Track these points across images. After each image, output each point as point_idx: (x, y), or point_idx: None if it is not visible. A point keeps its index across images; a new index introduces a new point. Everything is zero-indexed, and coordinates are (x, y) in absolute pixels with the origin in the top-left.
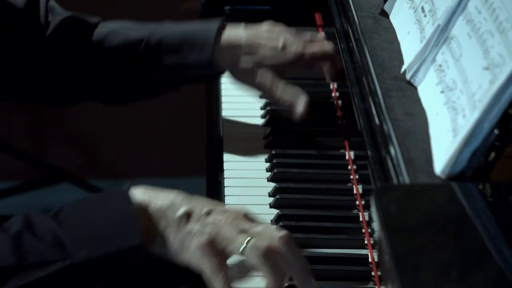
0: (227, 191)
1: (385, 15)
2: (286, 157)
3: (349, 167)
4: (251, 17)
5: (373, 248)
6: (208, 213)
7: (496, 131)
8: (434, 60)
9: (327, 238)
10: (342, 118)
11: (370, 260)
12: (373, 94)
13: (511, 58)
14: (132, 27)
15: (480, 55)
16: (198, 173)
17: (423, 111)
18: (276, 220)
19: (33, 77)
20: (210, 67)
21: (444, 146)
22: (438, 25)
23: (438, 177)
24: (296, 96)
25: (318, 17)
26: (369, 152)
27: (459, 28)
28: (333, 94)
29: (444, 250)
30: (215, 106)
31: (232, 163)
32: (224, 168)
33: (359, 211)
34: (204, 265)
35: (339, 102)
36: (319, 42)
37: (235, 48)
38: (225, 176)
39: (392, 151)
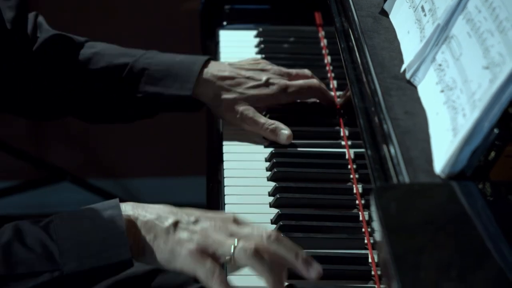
0: (227, 190)
1: (385, 14)
2: (286, 156)
3: (349, 166)
4: (251, 17)
5: (373, 247)
6: (196, 221)
7: (496, 130)
8: (434, 59)
9: (327, 237)
10: (342, 117)
11: (370, 259)
12: (373, 93)
13: (511, 58)
14: (117, 52)
15: (480, 54)
16: (198, 172)
17: (423, 110)
18: (276, 220)
19: (17, 90)
20: (190, 101)
21: (444, 145)
22: (438, 25)
23: (438, 177)
24: (277, 133)
25: (318, 16)
26: (369, 152)
27: (459, 27)
28: (332, 94)
29: (444, 249)
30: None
31: (232, 162)
32: (224, 167)
33: (359, 210)
34: (197, 270)
35: (339, 100)
36: (305, 77)
37: (218, 82)
38: (225, 176)
39: (392, 150)
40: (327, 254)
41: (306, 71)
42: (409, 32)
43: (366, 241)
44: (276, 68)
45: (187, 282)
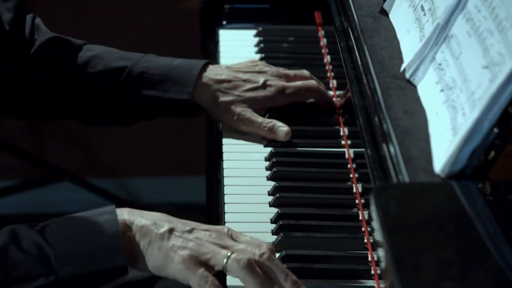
0: (226, 189)
1: (385, 13)
2: (286, 156)
3: (349, 165)
4: (251, 16)
5: (372, 247)
6: (191, 231)
7: (495, 130)
8: (433, 58)
9: (326, 236)
10: (342, 116)
11: (369, 258)
12: (373, 92)
13: (510, 57)
14: (115, 55)
15: (479, 53)
16: (197, 172)
17: (422, 110)
18: (276, 219)
19: (15, 93)
20: (189, 104)
21: (444, 145)
22: (438, 24)
23: (438, 176)
24: (275, 131)
25: (317, 16)
26: (368, 151)
27: (459, 27)
28: (332, 93)
29: (443, 248)
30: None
31: (231, 161)
32: (224, 166)
33: (358, 209)
34: (190, 278)
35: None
36: (303, 77)
37: (215, 85)
38: (224, 175)
39: (392, 149)
40: (327, 253)
41: (305, 72)
42: (408, 31)
43: (365, 241)
44: (274, 69)
45: None
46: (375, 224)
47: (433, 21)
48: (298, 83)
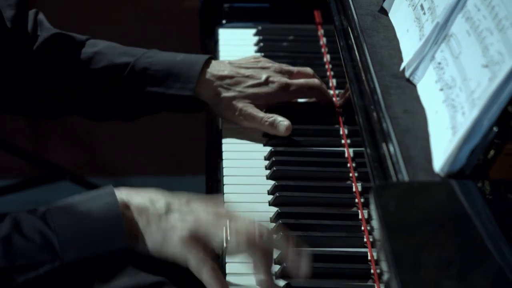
0: (226, 189)
1: (384, 12)
2: (286, 155)
3: (348, 165)
4: (250, 15)
5: (372, 245)
6: (187, 202)
7: (495, 129)
8: (433, 57)
9: (326, 235)
10: (341, 115)
11: (369, 258)
12: (372, 91)
13: (510, 56)
14: (118, 51)
15: (479, 52)
16: (197, 171)
17: (422, 109)
18: (276, 218)
19: (18, 89)
20: (192, 100)
21: (443, 144)
22: (437, 23)
23: (437, 175)
24: (275, 125)
25: (317, 15)
26: (368, 150)
27: (458, 26)
28: (332, 92)
29: (443, 247)
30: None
31: (231, 160)
32: (223, 165)
33: (358, 209)
34: (188, 259)
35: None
36: (306, 75)
37: (217, 81)
38: (224, 174)
39: (391, 148)
40: (326, 252)
41: (308, 70)
42: (408, 30)
43: (365, 240)
44: (276, 65)
45: None
46: (375, 223)
47: (433, 20)
48: (301, 80)
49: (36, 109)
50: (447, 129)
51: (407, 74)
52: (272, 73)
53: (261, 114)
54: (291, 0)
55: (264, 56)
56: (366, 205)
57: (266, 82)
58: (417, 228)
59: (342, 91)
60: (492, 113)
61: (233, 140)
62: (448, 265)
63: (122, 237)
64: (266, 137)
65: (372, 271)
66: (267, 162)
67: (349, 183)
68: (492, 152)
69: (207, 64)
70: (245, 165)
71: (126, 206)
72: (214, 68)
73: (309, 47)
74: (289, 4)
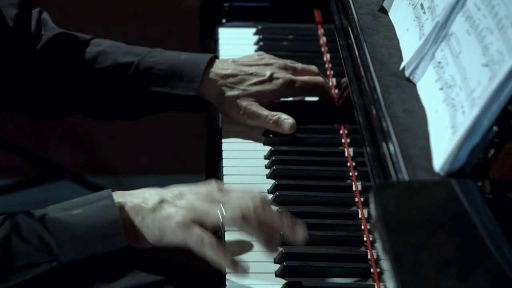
0: None
1: (384, 12)
2: (285, 154)
3: (348, 164)
4: (250, 14)
5: (372, 245)
6: (181, 195)
7: (495, 128)
8: (433, 57)
9: (326, 235)
10: (341, 115)
11: (369, 257)
12: (372, 90)
13: (510, 55)
14: (122, 50)
15: (479, 52)
16: (197, 170)
17: (422, 108)
18: None
19: (21, 89)
20: (196, 99)
21: (443, 143)
22: (437, 22)
23: (437, 174)
24: (280, 123)
25: (317, 14)
26: (368, 149)
27: (458, 25)
28: (331, 91)
29: (443, 246)
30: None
31: (231, 160)
32: (223, 165)
33: (358, 208)
34: (187, 240)
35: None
36: (311, 73)
37: (221, 80)
38: (224, 173)
39: (391, 148)
40: (326, 251)
41: (313, 67)
42: (408, 29)
43: (365, 239)
44: (281, 61)
45: None
46: (375, 222)
47: (433, 19)
48: (306, 77)
49: (40, 109)
50: (447, 128)
51: (407, 73)
52: (276, 69)
53: (265, 112)
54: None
55: None
56: (366, 204)
57: (270, 78)
58: (417, 227)
59: (340, 92)
60: (492, 112)
61: (233, 139)
62: (448, 265)
63: (119, 238)
64: (266, 136)
65: (372, 270)
66: (267, 161)
67: (349, 182)
68: (492, 151)
69: (210, 63)
70: (245, 164)
71: (122, 207)
72: (218, 67)
73: (309, 46)
74: (289, 3)
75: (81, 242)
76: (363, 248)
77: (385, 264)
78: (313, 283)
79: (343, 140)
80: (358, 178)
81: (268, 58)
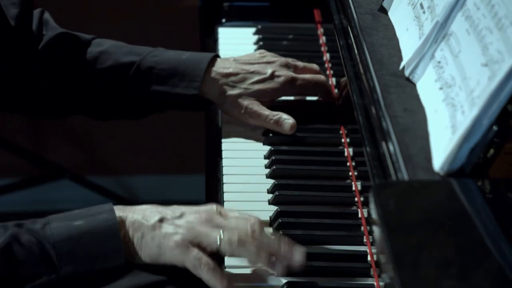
0: (226, 188)
1: (384, 11)
2: (285, 154)
3: (348, 163)
4: (250, 14)
5: (372, 244)
6: (181, 216)
7: (495, 128)
8: (433, 56)
9: (326, 234)
10: (341, 114)
11: (369, 256)
12: (372, 90)
13: (510, 55)
14: (124, 50)
15: (479, 51)
16: (197, 170)
17: (422, 108)
18: (275, 217)
19: (22, 89)
20: (197, 98)
21: (443, 143)
22: (437, 22)
23: (437, 174)
24: (280, 123)
25: (317, 14)
26: (367, 149)
27: (458, 25)
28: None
29: (443, 246)
30: (214, 104)
31: (231, 159)
32: (223, 164)
33: (358, 207)
34: (185, 261)
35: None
36: (312, 71)
37: (222, 79)
38: (224, 173)
39: (391, 147)
40: (326, 251)
41: (314, 66)
42: (408, 29)
43: (365, 238)
44: (282, 59)
45: None
46: (375, 222)
47: (432, 19)
48: (307, 76)
49: (41, 109)
50: (446, 128)
51: (406, 73)
52: (277, 67)
53: (266, 112)
54: None
55: None
56: (365, 204)
57: (272, 76)
58: (417, 227)
59: (338, 91)
60: (491, 112)
61: (233, 139)
62: (448, 264)
63: (118, 254)
64: (266, 136)
65: (371, 269)
66: (266, 161)
67: (348, 182)
68: (492, 151)
69: (212, 62)
70: (245, 164)
71: (122, 222)
72: (219, 66)
73: (309, 46)
74: (288, 3)
75: (80, 256)
76: (363, 248)
77: (385, 264)
78: (313, 283)
79: (343, 140)
80: (357, 177)
81: (269, 56)
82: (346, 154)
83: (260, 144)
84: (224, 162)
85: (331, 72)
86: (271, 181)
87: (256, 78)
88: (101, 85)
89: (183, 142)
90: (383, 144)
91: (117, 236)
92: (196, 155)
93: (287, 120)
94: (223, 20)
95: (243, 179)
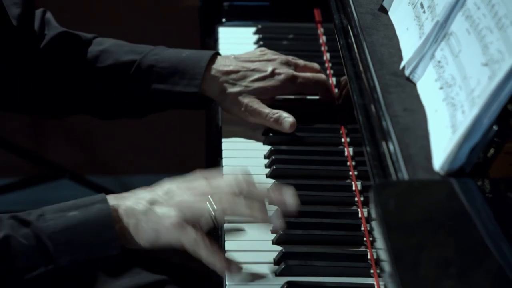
0: None
1: (384, 11)
2: (285, 154)
3: (348, 163)
4: (250, 13)
5: (372, 244)
6: (171, 195)
7: (495, 127)
8: (433, 56)
9: (326, 234)
10: (341, 114)
11: (369, 256)
12: (372, 90)
13: (510, 54)
14: (125, 49)
15: (479, 51)
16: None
17: (422, 107)
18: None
19: (24, 88)
20: (198, 97)
21: (443, 142)
22: (437, 21)
23: (437, 173)
24: (280, 122)
25: (317, 13)
26: (368, 148)
27: (458, 24)
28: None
29: (443, 246)
30: (214, 103)
31: (231, 159)
32: (223, 164)
33: (358, 207)
34: (182, 241)
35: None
36: (313, 70)
37: (222, 77)
38: (224, 172)
39: (391, 147)
40: (326, 251)
41: (315, 65)
42: (408, 28)
43: (365, 238)
44: (283, 57)
45: None
46: (375, 221)
47: (433, 18)
48: (308, 74)
49: (42, 108)
50: (447, 127)
51: (407, 72)
52: (278, 65)
53: (266, 110)
54: None
55: None
56: (365, 203)
57: (272, 74)
58: (417, 227)
59: (338, 91)
60: (492, 112)
61: (233, 138)
62: (448, 264)
63: (114, 244)
64: (266, 136)
65: (371, 269)
66: (267, 161)
67: (348, 181)
68: (492, 151)
69: (212, 60)
70: (245, 164)
71: (116, 210)
72: (220, 64)
73: (309, 46)
74: (289, 3)
75: (77, 246)
76: (363, 248)
77: (385, 263)
78: (313, 283)
79: (343, 140)
80: (358, 177)
81: (270, 54)
82: (346, 153)
83: (260, 144)
84: (224, 161)
85: (331, 71)
86: (271, 180)
87: (257, 75)
88: (102, 84)
89: (183, 142)
90: (383, 143)
91: (112, 225)
92: (196, 155)
93: (287, 118)
94: (223, 20)
95: None
